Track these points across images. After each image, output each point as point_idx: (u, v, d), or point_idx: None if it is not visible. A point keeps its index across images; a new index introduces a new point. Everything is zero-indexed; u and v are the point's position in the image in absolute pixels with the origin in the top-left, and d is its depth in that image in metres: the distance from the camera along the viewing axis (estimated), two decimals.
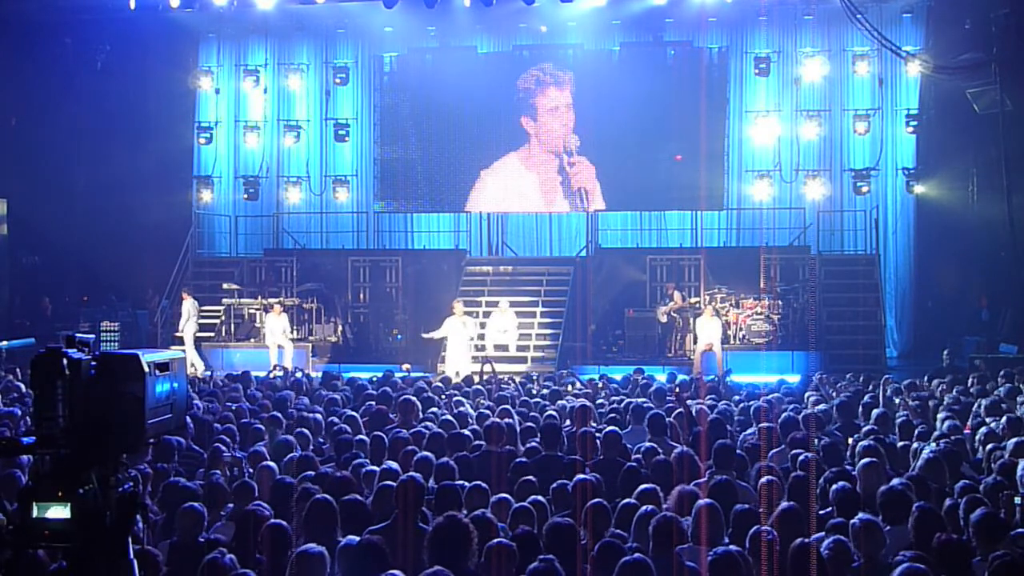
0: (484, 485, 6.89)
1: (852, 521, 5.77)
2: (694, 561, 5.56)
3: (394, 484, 6.57)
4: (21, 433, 5.27)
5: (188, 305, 20.47)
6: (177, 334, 20.56)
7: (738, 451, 8.31)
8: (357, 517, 6.13)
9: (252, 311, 21.53)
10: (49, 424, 2.78)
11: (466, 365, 17.82)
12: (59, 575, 2.94)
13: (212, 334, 21.58)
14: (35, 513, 2.74)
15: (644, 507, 6.16)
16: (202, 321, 21.75)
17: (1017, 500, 6.68)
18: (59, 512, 2.74)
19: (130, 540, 2.92)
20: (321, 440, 9.69)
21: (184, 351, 17.92)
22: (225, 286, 22.13)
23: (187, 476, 7.85)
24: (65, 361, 2.79)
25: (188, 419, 9.34)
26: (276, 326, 19.65)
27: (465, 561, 5.20)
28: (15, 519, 2.82)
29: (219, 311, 21.93)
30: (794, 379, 15.45)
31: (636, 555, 5.04)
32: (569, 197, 23.67)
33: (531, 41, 24.10)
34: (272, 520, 5.97)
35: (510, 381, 14.32)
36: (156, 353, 3.13)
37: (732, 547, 5.41)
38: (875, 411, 10.28)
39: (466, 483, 7.02)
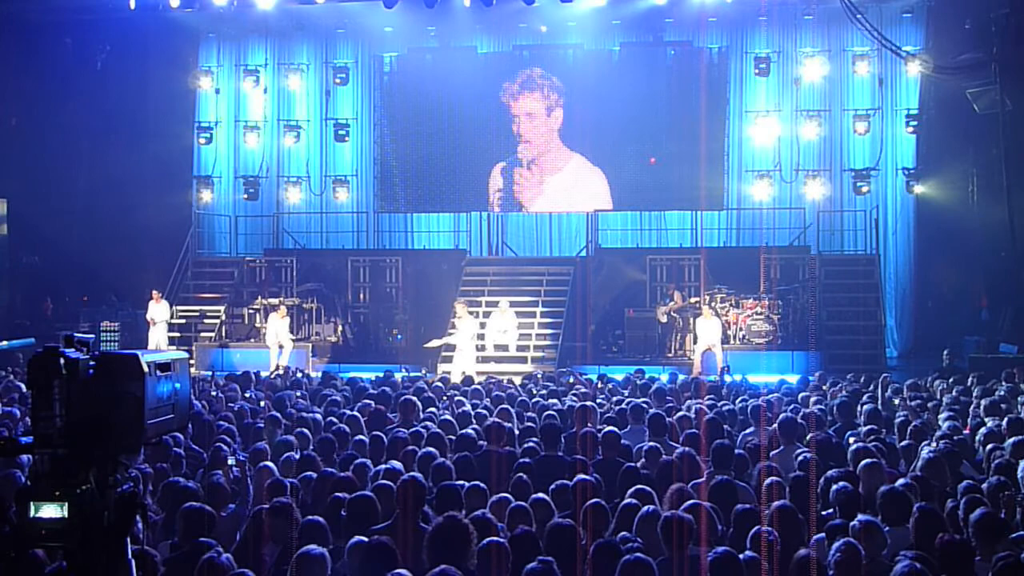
0: (483, 485, 6.88)
1: (852, 522, 5.76)
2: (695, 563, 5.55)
3: (392, 484, 6.57)
4: (20, 433, 5.28)
5: (161, 308, 20.47)
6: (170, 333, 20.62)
7: (738, 451, 8.30)
8: (362, 516, 6.14)
9: (252, 310, 21.53)
10: (46, 424, 2.77)
11: (470, 366, 17.82)
12: (58, 575, 2.93)
13: (212, 334, 21.60)
14: (32, 513, 2.74)
15: (646, 507, 6.15)
16: (202, 321, 21.83)
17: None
18: (56, 512, 2.74)
19: (129, 541, 2.92)
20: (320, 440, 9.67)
21: (165, 348, 17.94)
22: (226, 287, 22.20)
23: (188, 476, 7.85)
24: (62, 361, 2.78)
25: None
26: (280, 327, 19.67)
27: (464, 561, 5.20)
28: (13, 519, 2.81)
29: (219, 311, 21.95)
30: (794, 379, 15.43)
31: (637, 555, 5.03)
32: (569, 198, 23.77)
33: (531, 41, 24.11)
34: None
35: (510, 384, 14.35)
36: (157, 353, 3.12)
37: (739, 549, 5.40)
38: (872, 410, 10.28)
39: (466, 483, 7.01)
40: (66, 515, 2.73)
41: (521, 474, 7.30)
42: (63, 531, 2.74)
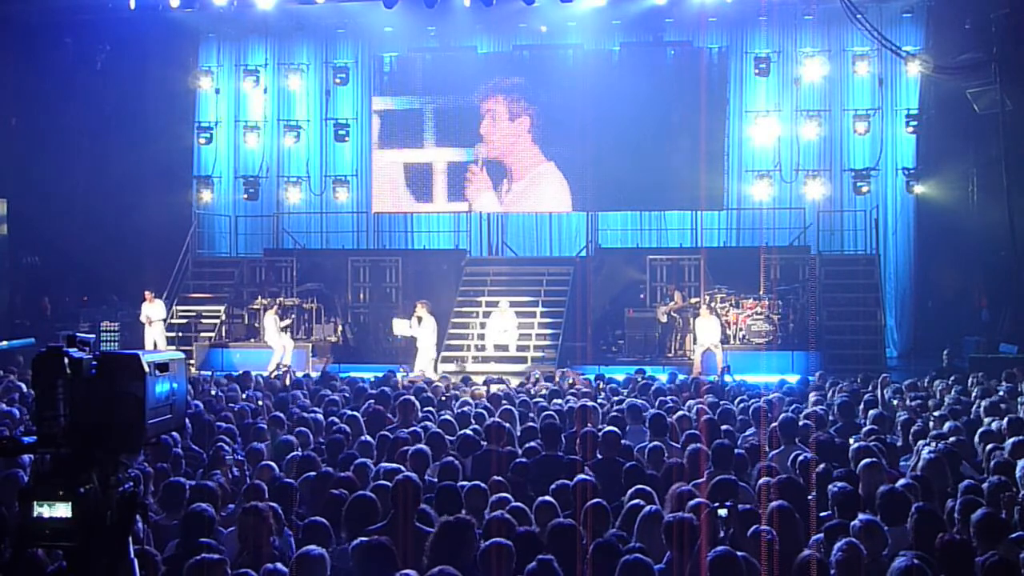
0: (483, 485, 6.89)
1: (853, 522, 5.76)
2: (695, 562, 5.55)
3: (389, 484, 6.57)
4: (20, 433, 5.27)
5: (156, 307, 20.44)
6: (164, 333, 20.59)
7: (737, 451, 8.30)
8: (360, 517, 6.14)
9: (252, 310, 21.54)
10: (50, 423, 2.78)
11: (431, 366, 17.87)
12: (59, 575, 2.94)
13: (212, 334, 21.60)
14: (35, 512, 2.75)
15: (647, 507, 6.15)
16: (203, 321, 21.83)
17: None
18: (60, 511, 2.75)
19: (131, 540, 2.92)
20: (321, 440, 9.69)
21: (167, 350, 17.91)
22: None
23: (188, 476, 7.85)
24: (66, 360, 2.79)
25: (187, 419, 9.35)
26: (274, 321, 19.77)
27: (467, 561, 5.20)
28: (16, 519, 2.82)
29: (219, 311, 21.96)
30: (794, 379, 15.42)
31: (636, 555, 5.03)
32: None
33: (531, 41, 24.09)
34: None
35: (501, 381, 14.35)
36: (156, 353, 3.14)
37: (735, 549, 5.40)
38: (874, 411, 10.29)
39: (466, 483, 7.01)
40: (70, 515, 2.74)
41: (497, 476, 7.29)
42: (67, 531, 2.75)
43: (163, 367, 3.07)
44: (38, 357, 2.82)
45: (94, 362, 2.88)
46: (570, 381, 14.08)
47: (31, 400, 11.61)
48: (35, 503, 2.75)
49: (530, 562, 4.97)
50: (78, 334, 2.92)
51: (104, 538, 2.82)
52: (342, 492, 6.59)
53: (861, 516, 5.83)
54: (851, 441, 8.80)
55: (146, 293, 20.50)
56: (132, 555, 2.91)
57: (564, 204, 23.72)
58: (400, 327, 19.06)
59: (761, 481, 6.92)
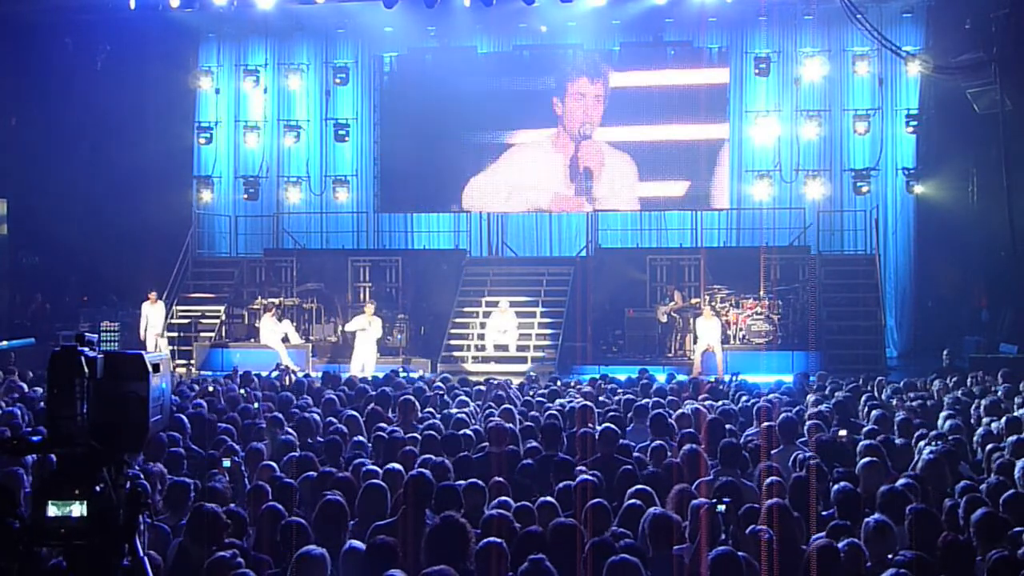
0: (481, 483, 6.89)
1: (867, 520, 5.77)
2: (695, 561, 5.56)
3: (385, 485, 6.58)
4: (25, 432, 5.27)
5: (156, 308, 20.42)
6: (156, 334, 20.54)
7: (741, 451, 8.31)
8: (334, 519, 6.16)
9: (252, 310, 21.55)
10: (67, 423, 2.79)
11: (372, 363, 18.17)
12: (59, 574, 2.95)
13: (212, 334, 21.60)
14: (51, 512, 2.75)
15: (650, 507, 6.16)
16: (203, 321, 21.84)
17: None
18: (76, 511, 2.75)
19: (138, 539, 2.93)
20: (321, 440, 9.68)
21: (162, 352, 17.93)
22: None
23: (189, 476, 7.86)
24: (83, 359, 2.81)
25: (185, 419, 9.38)
26: (273, 325, 19.82)
27: (463, 561, 5.20)
28: (27, 518, 2.82)
29: (219, 311, 21.96)
30: (791, 379, 15.37)
31: (623, 555, 5.03)
32: (575, 184, 23.73)
33: (531, 41, 24.10)
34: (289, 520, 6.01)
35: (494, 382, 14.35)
36: (151, 354, 3.20)
37: (735, 549, 5.41)
38: (875, 412, 10.29)
39: (464, 483, 7.01)
40: (86, 514, 2.74)
41: (498, 477, 7.30)
42: (82, 530, 2.75)
43: (156, 367, 3.11)
44: (55, 356, 2.83)
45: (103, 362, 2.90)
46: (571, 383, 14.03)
47: (32, 399, 11.62)
48: (49, 503, 2.76)
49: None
50: (85, 334, 2.94)
51: (115, 537, 2.83)
52: (334, 494, 6.55)
53: (876, 516, 5.83)
54: (841, 435, 8.85)
55: (150, 294, 20.50)
56: (142, 554, 2.92)
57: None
58: (355, 324, 19.30)
59: (768, 480, 6.92)
